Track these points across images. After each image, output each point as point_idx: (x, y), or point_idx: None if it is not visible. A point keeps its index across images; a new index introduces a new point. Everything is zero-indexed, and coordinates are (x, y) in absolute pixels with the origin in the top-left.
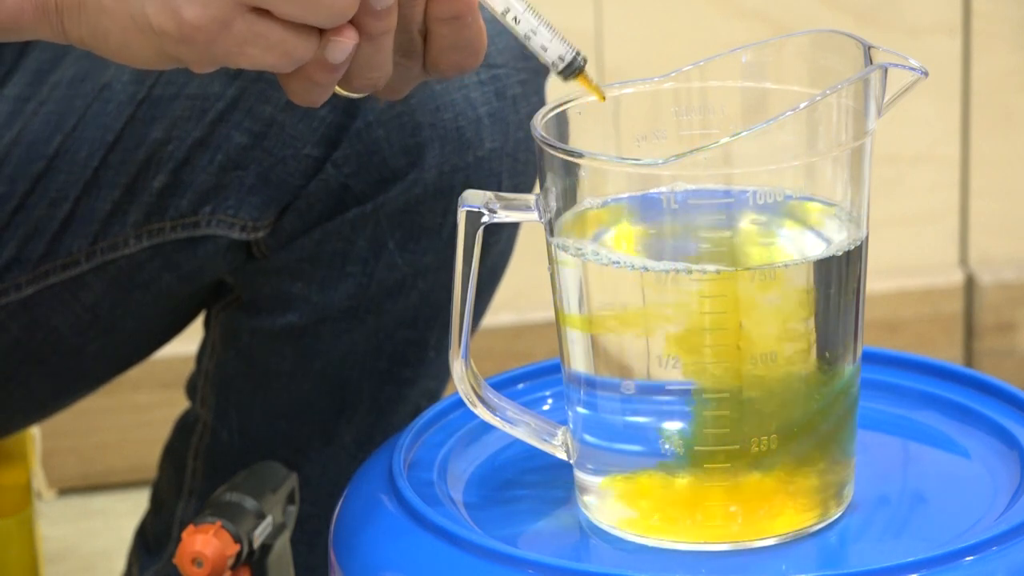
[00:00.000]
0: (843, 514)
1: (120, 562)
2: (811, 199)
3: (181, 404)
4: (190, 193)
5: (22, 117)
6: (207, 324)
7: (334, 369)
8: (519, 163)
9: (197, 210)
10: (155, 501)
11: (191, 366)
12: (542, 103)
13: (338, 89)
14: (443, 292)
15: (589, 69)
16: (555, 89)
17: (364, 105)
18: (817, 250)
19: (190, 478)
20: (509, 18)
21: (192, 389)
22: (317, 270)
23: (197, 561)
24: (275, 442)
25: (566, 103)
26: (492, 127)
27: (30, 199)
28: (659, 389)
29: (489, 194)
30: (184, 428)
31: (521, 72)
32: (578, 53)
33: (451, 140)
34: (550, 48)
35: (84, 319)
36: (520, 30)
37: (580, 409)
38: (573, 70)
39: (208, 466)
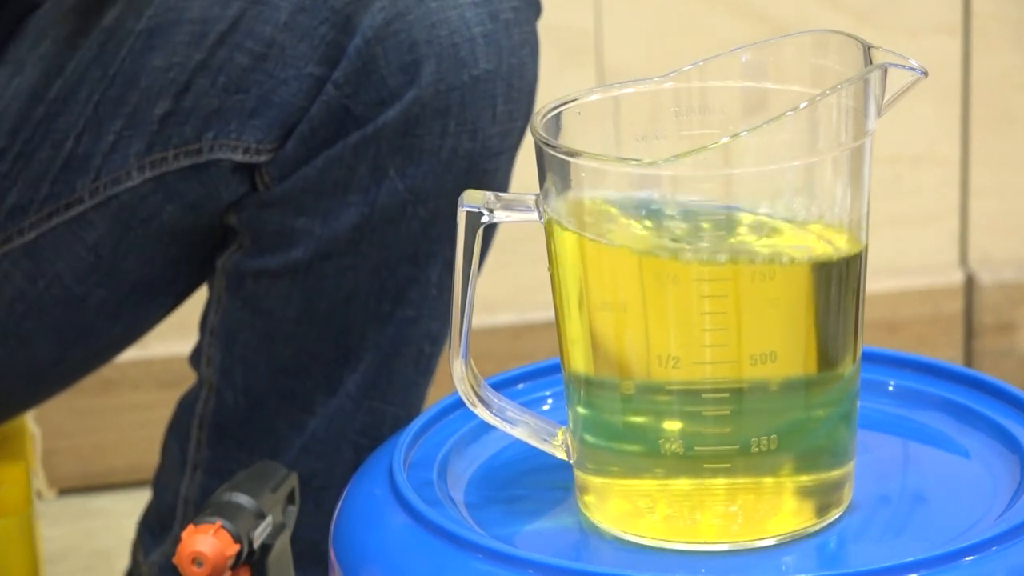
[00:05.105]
0: (843, 514)
1: (120, 562)
2: (812, 197)
3: None
4: (192, 119)
5: (21, 75)
6: (211, 284)
7: (337, 313)
8: (513, 89)
9: (199, 136)
10: (157, 486)
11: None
12: (534, 35)
13: None
14: (443, 223)
15: (588, 69)
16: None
17: (362, 22)
18: (817, 249)
19: (194, 451)
20: None
21: (196, 356)
22: (320, 201)
23: (197, 561)
24: (280, 398)
25: (565, 103)
26: (487, 48)
27: (31, 144)
28: (659, 389)
29: (489, 194)
30: (187, 403)
31: None
32: None
33: (447, 57)
34: None
35: (87, 261)
36: None
37: (580, 409)
38: None
39: (213, 434)
